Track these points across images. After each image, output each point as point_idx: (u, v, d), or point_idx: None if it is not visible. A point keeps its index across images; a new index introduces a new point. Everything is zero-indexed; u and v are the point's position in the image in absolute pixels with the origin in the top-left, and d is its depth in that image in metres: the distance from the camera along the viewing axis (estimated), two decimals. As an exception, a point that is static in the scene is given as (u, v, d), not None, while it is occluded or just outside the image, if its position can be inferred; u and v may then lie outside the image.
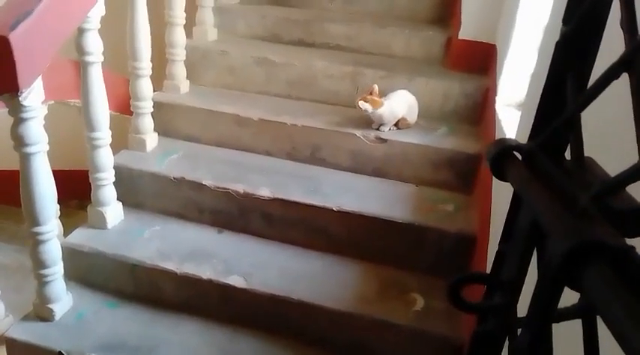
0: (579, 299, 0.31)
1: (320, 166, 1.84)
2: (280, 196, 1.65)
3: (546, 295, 0.29)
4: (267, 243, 1.67)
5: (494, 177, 1.28)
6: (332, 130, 1.81)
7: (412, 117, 1.82)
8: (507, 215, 0.43)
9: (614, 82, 0.33)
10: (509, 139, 0.40)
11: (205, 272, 1.52)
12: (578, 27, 0.36)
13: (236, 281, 1.50)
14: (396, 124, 1.81)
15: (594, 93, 0.32)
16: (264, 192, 1.66)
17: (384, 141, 1.78)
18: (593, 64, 0.37)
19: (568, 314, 0.32)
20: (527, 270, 0.39)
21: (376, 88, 1.73)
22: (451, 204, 1.69)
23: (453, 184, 1.75)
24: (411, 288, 1.53)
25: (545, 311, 0.29)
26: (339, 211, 1.61)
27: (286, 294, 1.47)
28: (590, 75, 0.36)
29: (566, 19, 0.37)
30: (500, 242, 0.43)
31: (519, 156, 0.39)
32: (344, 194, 1.68)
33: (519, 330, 0.41)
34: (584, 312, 0.29)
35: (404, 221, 1.58)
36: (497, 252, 0.44)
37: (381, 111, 1.72)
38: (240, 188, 1.68)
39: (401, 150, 1.77)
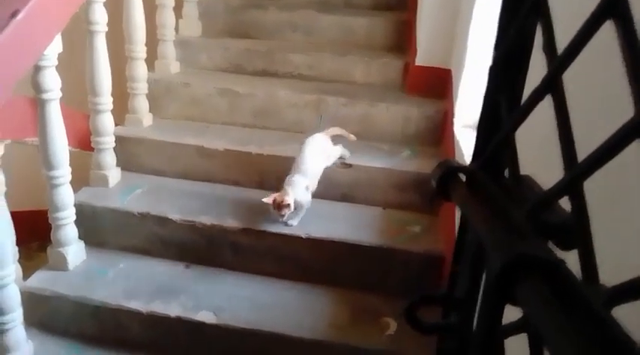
0: (523, 313, 0.32)
1: (288, 194, 1.84)
2: (248, 226, 1.63)
3: (487, 312, 0.29)
4: (237, 275, 1.65)
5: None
6: (298, 158, 1.81)
7: (340, 152, 1.75)
8: (457, 235, 0.44)
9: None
10: (453, 161, 0.42)
11: (174, 310, 1.48)
12: (507, 52, 0.38)
13: (206, 317, 1.46)
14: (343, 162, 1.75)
15: (524, 114, 0.34)
16: (232, 223, 1.64)
17: (349, 166, 1.80)
18: (524, 86, 0.39)
19: (513, 329, 0.32)
20: (479, 288, 0.40)
21: (286, 199, 1.53)
22: (418, 225, 1.71)
23: (419, 206, 1.77)
24: (382, 312, 1.52)
25: (489, 328, 0.30)
26: (307, 238, 1.61)
27: (258, 327, 1.44)
28: (521, 96, 0.39)
29: (497, 45, 0.39)
30: (452, 262, 0.44)
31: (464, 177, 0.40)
32: (312, 221, 1.68)
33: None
34: (527, 326, 0.30)
35: (372, 244, 1.59)
36: (450, 271, 0.45)
37: (297, 197, 1.56)
38: (207, 220, 1.66)
39: (366, 174, 1.79)
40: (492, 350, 0.31)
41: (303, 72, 2.19)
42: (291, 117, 2.02)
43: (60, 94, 1.43)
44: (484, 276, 0.37)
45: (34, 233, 1.87)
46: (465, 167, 0.40)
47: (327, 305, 1.55)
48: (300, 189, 1.58)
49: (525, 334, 0.31)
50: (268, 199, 1.55)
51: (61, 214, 1.55)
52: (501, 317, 0.30)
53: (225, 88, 2.05)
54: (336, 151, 1.73)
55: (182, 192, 1.82)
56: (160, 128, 1.99)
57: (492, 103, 0.39)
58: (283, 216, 1.56)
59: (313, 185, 1.64)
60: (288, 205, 1.53)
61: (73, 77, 1.63)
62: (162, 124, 2.02)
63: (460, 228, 0.42)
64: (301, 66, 2.20)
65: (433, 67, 1.99)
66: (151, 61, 2.04)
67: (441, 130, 1.91)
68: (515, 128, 0.35)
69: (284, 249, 1.62)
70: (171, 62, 2.14)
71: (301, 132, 2.00)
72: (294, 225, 1.62)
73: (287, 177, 1.61)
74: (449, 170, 0.40)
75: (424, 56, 1.99)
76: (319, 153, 1.67)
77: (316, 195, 1.82)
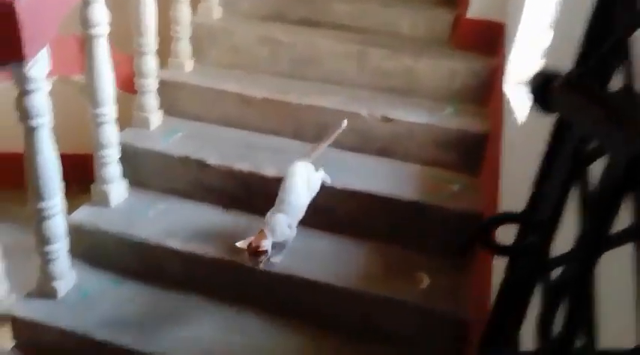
0: (632, 222, 0.30)
1: (325, 146, 1.82)
2: (284, 175, 1.63)
3: (605, 207, 0.27)
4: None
5: (503, 157, 1.24)
6: (337, 110, 1.78)
7: (322, 179, 1.57)
8: (547, 149, 0.42)
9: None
10: (551, 69, 0.39)
11: (211, 251, 1.51)
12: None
13: (242, 259, 1.49)
14: None
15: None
16: (270, 171, 1.65)
17: (389, 120, 1.76)
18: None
19: (619, 238, 0.30)
20: (564, 206, 0.38)
21: (264, 244, 1.35)
22: (457, 183, 1.68)
23: (459, 164, 1.74)
24: (416, 267, 1.52)
25: (603, 227, 0.28)
26: (343, 190, 1.60)
27: (292, 272, 1.46)
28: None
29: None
30: (536, 180, 0.42)
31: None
32: (349, 173, 1.67)
33: (552, 273, 0.40)
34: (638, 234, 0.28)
35: (409, 200, 1.58)
36: (532, 192, 0.43)
37: (277, 238, 1.39)
38: (245, 167, 1.67)
39: (406, 129, 1.76)
40: (593, 261, 0.29)
41: (347, 22, 2.12)
42: (332, 68, 1.97)
43: (108, 30, 1.43)
44: (576, 190, 0.35)
45: (73, 176, 1.91)
46: (570, 72, 0.37)
47: (361, 257, 1.55)
48: (281, 228, 1.41)
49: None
50: (243, 244, 1.35)
51: (105, 152, 1.58)
52: (614, 217, 0.28)
53: (266, 35, 2.01)
54: (318, 181, 1.54)
55: (221, 138, 1.83)
56: (201, 73, 1.98)
57: (603, 8, 0.36)
58: (259, 262, 1.36)
59: (298, 219, 1.48)
60: (265, 252, 1.35)
61: (118, 17, 1.62)
62: (203, 70, 2.01)
63: (552, 140, 0.39)
64: (345, 16, 2.13)
65: (485, 20, 1.89)
66: (194, 4, 2.01)
67: (488, 88, 1.84)
68: (632, 31, 0.32)
69: (319, 200, 1.61)
70: (213, 6, 2.09)
71: (341, 84, 1.97)
72: (278, 263, 1.46)
73: (268, 214, 1.43)
74: (549, 77, 0.37)
75: (477, 8, 1.89)
76: (303, 187, 1.48)
77: (352, 148, 1.79)
